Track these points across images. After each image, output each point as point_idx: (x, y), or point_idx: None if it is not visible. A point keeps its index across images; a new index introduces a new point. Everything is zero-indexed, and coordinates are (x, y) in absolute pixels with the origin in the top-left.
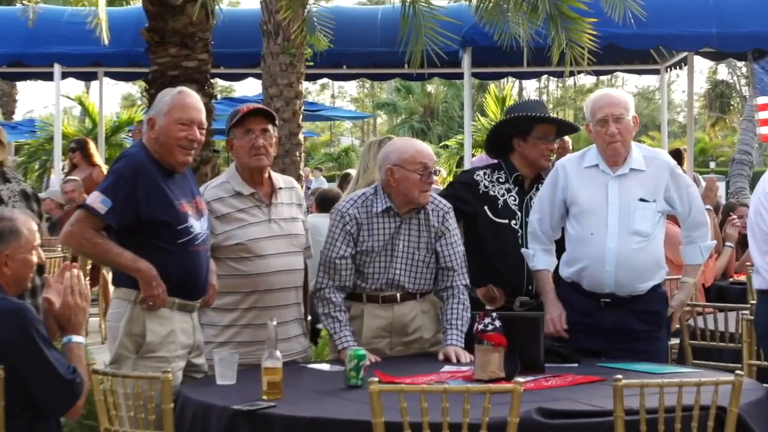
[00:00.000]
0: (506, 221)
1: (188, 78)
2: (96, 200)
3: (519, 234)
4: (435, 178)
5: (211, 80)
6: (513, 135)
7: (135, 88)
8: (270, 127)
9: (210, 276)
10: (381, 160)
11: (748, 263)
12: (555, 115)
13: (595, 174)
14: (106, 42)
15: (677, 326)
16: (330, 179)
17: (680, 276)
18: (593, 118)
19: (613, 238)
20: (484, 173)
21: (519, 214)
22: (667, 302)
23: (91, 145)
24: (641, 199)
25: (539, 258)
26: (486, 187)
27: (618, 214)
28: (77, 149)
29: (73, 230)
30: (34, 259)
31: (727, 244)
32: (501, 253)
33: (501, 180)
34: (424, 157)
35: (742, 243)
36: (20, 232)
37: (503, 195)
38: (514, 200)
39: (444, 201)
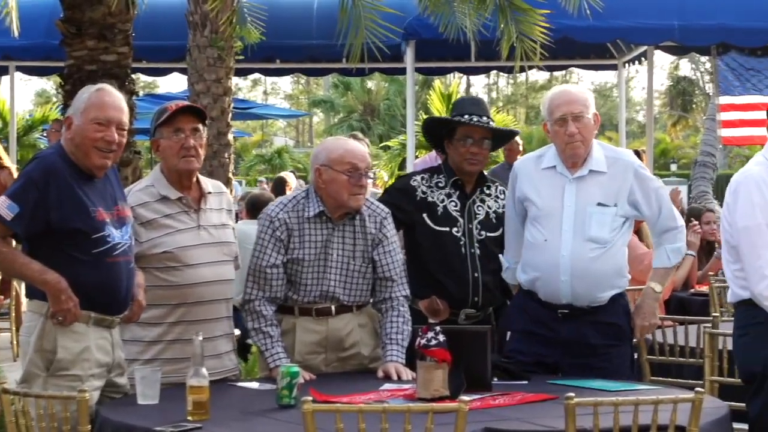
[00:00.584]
0: (447, 229)
1: (107, 73)
2: (2, 206)
3: (462, 242)
4: (367, 180)
5: (132, 75)
6: (443, 136)
7: (49, 84)
8: (200, 126)
9: (136, 290)
10: (311, 160)
11: (711, 273)
12: (505, 114)
13: (552, 176)
14: (17, 34)
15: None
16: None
17: (640, 286)
18: (551, 116)
19: (567, 246)
20: (422, 178)
21: (461, 220)
22: (629, 314)
23: None
24: (599, 204)
25: (508, 273)
26: (424, 193)
27: (573, 220)
28: None
29: None
30: None
31: (688, 252)
32: (442, 262)
33: (441, 185)
34: (354, 156)
35: (707, 251)
36: None
37: (443, 201)
38: (455, 206)
39: (382, 206)
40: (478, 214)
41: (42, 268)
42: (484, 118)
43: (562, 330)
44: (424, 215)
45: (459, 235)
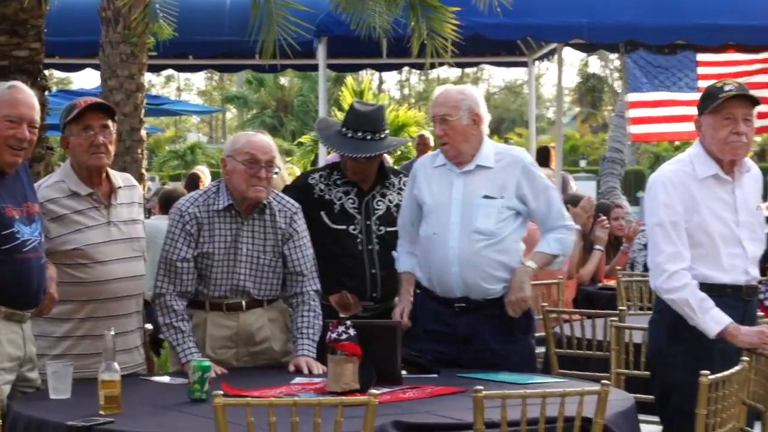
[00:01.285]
0: (344, 227)
1: (19, 69)
2: None
3: (359, 239)
4: (269, 173)
5: (45, 71)
6: None
7: None
8: (110, 123)
9: (48, 284)
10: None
11: (618, 267)
12: (417, 110)
13: (443, 172)
14: None
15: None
16: (176, 178)
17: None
18: (430, 115)
19: (455, 237)
20: (320, 176)
21: (358, 217)
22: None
23: None
24: (485, 196)
25: (402, 260)
26: (321, 191)
27: (461, 212)
28: None
29: None
30: None
31: (596, 247)
32: (340, 259)
33: (339, 182)
34: (254, 147)
35: (614, 246)
36: None
37: (340, 198)
38: (353, 203)
39: (292, 201)
40: (378, 209)
41: None
42: (369, 136)
43: (460, 325)
44: (322, 213)
45: (356, 232)
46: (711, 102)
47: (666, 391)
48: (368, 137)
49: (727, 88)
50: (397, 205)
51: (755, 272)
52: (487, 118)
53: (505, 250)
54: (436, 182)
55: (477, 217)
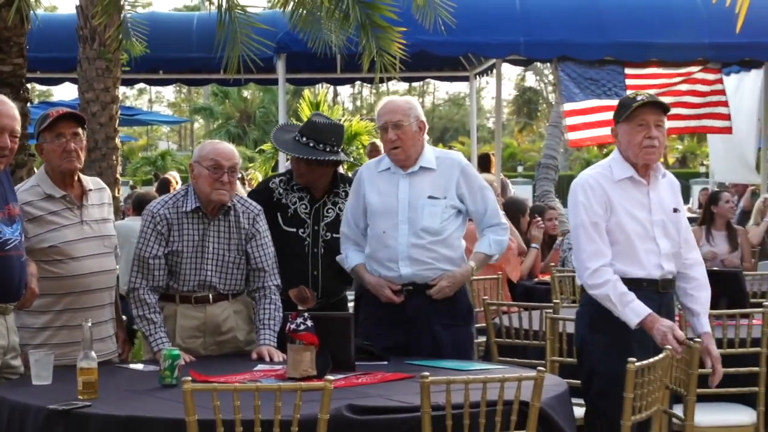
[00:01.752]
0: (294, 230)
1: (3, 82)
2: None
3: (306, 242)
4: (231, 177)
5: (27, 84)
6: None
7: None
8: (80, 130)
9: (29, 279)
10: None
11: (552, 263)
12: (368, 121)
13: (389, 175)
14: None
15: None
16: (147, 183)
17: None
18: (377, 123)
19: (404, 235)
20: (280, 180)
21: (308, 221)
22: (467, 296)
23: None
24: (430, 197)
25: (351, 256)
26: (280, 194)
27: (408, 211)
28: None
29: None
30: None
31: (533, 245)
32: (287, 260)
33: (296, 188)
34: (218, 154)
35: (548, 244)
36: None
37: (295, 203)
38: (305, 208)
39: (254, 204)
40: (327, 216)
41: None
42: (321, 146)
43: (408, 308)
44: (278, 215)
45: (304, 236)
46: (625, 111)
47: (589, 376)
48: (320, 147)
49: (639, 97)
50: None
51: (670, 267)
52: (426, 126)
53: (449, 246)
54: (383, 184)
55: (423, 216)
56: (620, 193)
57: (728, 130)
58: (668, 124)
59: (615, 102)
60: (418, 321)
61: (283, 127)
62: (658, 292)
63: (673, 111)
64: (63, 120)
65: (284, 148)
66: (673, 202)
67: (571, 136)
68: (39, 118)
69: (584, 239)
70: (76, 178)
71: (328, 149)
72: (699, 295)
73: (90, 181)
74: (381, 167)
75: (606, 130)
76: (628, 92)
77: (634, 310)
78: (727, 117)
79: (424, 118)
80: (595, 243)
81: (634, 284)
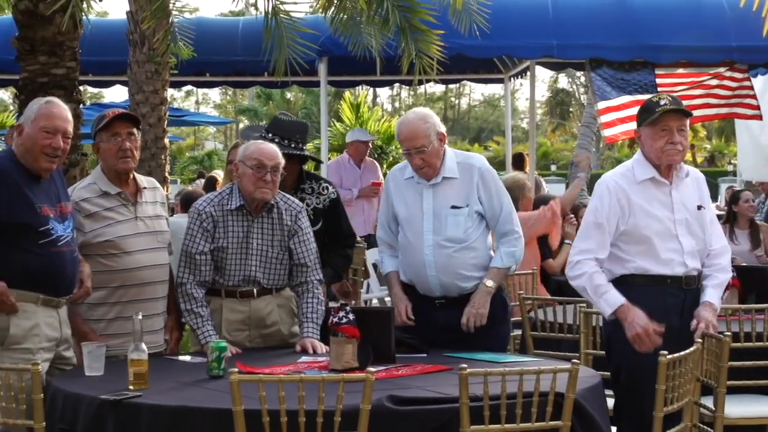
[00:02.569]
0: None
1: (57, 85)
2: None
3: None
4: (274, 177)
5: (80, 87)
6: None
7: (6, 95)
8: (135, 130)
9: (84, 278)
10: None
11: None
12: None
13: (413, 185)
14: None
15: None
16: (194, 181)
17: (522, 272)
18: (402, 145)
19: (429, 245)
20: None
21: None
22: (500, 297)
23: None
24: (453, 206)
25: (386, 262)
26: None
27: (432, 222)
28: None
29: None
30: None
31: (566, 241)
32: None
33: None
34: (261, 154)
35: None
36: None
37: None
38: (308, 207)
39: (297, 201)
40: None
41: None
42: (286, 141)
43: (440, 317)
44: None
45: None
46: (648, 115)
47: (615, 371)
48: (285, 143)
49: (662, 102)
50: (315, 209)
51: (694, 264)
52: (446, 135)
53: (474, 250)
54: (409, 194)
55: (447, 226)
56: (642, 194)
57: (759, 117)
58: (699, 112)
59: (646, 97)
60: (451, 332)
61: (251, 127)
62: (682, 289)
63: (704, 101)
64: (119, 120)
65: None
66: (698, 199)
67: (607, 132)
68: (96, 119)
69: (581, 236)
70: (131, 176)
71: (293, 145)
72: (716, 275)
73: (144, 180)
74: (406, 175)
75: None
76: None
77: (607, 301)
78: (757, 107)
79: (442, 129)
80: (589, 241)
81: (658, 282)
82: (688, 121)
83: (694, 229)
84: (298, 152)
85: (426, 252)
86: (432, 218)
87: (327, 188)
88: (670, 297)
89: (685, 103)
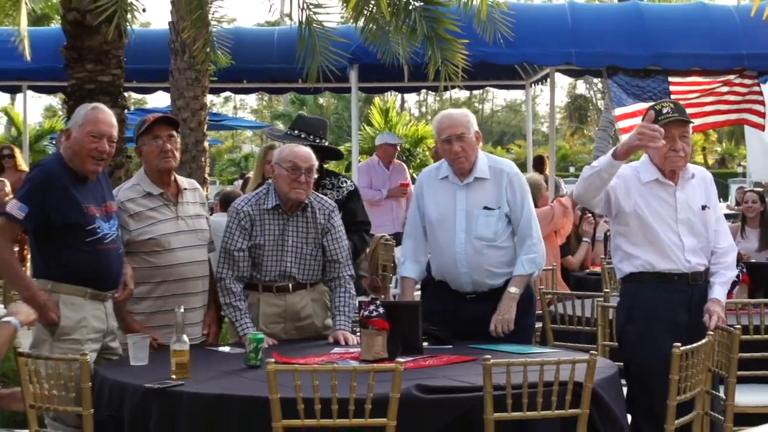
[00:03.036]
0: None
1: (103, 91)
2: (14, 208)
3: None
4: (308, 178)
5: (124, 93)
6: None
7: (56, 100)
8: (175, 133)
9: (128, 280)
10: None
11: (602, 256)
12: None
13: (447, 185)
14: (29, 58)
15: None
16: (232, 183)
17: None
18: (439, 137)
19: (461, 243)
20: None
21: None
22: (528, 290)
23: (17, 151)
24: (485, 207)
25: (406, 266)
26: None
27: (465, 221)
28: (12, 156)
29: None
30: None
31: (584, 239)
32: None
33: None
34: (296, 157)
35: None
36: None
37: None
38: None
39: (329, 201)
40: None
41: (34, 287)
42: (311, 137)
43: (470, 310)
44: None
45: None
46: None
47: (627, 363)
48: (310, 138)
49: (665, 111)
50: (336, 201)
51: (697, 260)
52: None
53: (501, 248)
54: (442, 194)
55: (478, 225)
56: (647, 195)
57: (762, 127)
58: (711, 119)
59: None
60: (481, 324)
61: (273, 129)
62: (689, 284)
63: (714, 108)
64: (159, 123)
65: (281, 140)
66: (703, 200)
67: (625, 137)
68: (138, 124)
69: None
70: (172, 177)
71: (317, 141)
72: (723, 272)
73: (185, 182)
74: (440, 175)
75: None
76: (674, 96)
77: (605, 157)
78: (763, 115)
79: (478, 129)
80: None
81: (666, 278)
82: (690, 128)
83: (698, 228)
84: (323, 144)
85: (458, 250)
86: (465, 218)
87: (345, 182)
88: (677, 293)
89: (696, 110)
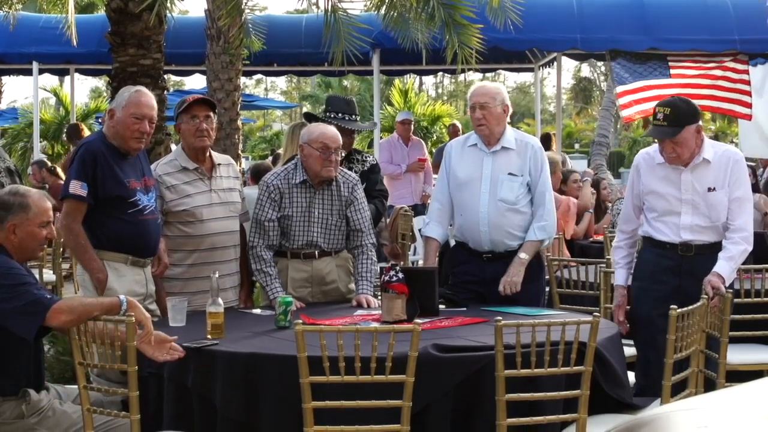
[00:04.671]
0: None
1: (144, 74)
2: (77, 188)
3: None
4: (336, 156)
5: (164, 76)
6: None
7: (101, 82)
8: (212, 113)
9: (161, 254)
10: (300, 139)
11: (605, 226)
12: (449, 105)
13: (474, 151)
14: (76, 43)
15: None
16: (263, 158)
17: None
18: (469, 103)
19: (485, 205)
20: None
21: None
22: (538, 257)
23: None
24: (510, 174)
25: (431, 226)
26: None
27: (489, 185)
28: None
29: (65, 224)
30: (43, 233)
31: (588, 211)
32: None
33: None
34: (326, 138)
35: (603, 210)
36: (29, 206)
37: None
38: (356, 172)
39: (353, 175)
40: None
41: (100, 267)
42: (353, 117)
43: (487, 270)
44: None
45: None
46: (648, 128)
47: (631, 310)
48: (352, 118)
49: (658, 116)
50: (360, 173)
51: (690, 237)
52: (511, 109)
53: (520, 213)
54: (470, 159)
55: (502, 189)
56: (656, 174)
57: (748, 117)
58: (705, 102)
59: (659, 81)
60: (496, 281)
61: (308, 113)
62: (678, 254)
63: (708, 92)
64: (197, 104)
65: (327, 121)
66: (712, 182)
67: (624, 113)
68: (178, 103)
69: (624, 202)
70: (207, 153)
71: (356, 118)
72: (729, 247)
73: (220, 157)
74: (469, 143)
75: (651, 104)
76: (673, 71)
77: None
78: (749, 105)
79: (509, 103)
80: (622, 217)
81: (659, 246)
82: (682, 131)
83: (701, 209)
84: (367, 125)
85: (481, 210)
86: (489, 181)
87: (367, 158)
88: (666, 259)
89: (693, 91)
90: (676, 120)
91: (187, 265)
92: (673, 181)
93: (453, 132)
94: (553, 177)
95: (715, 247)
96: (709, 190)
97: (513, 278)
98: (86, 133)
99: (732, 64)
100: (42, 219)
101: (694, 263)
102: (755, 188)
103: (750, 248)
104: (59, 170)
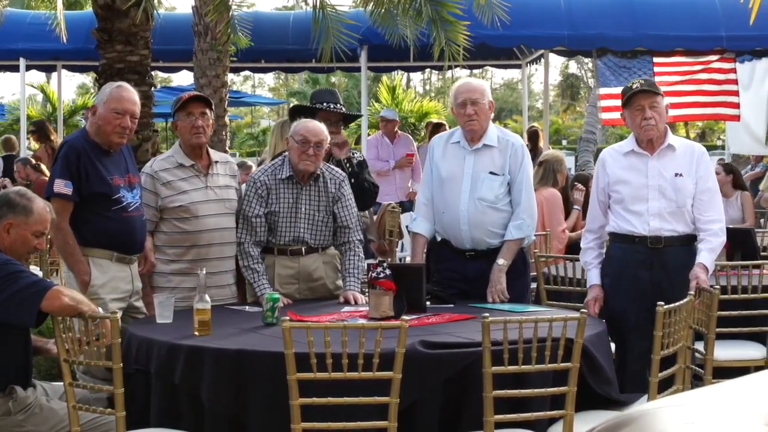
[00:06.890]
0: None
1: (132, 70)
2: (62, 187)
3: None
4: (317, 151)
5: (151, 72)
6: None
7: (88, 78)
8: (207, 110)
9: (148, 253)
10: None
11: None
12: (436, 102)
13: (457, 149)
14: (64, 40)
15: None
16: (251, 155)
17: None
18: (455, 101)
19: (465, 203)
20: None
21: None
22: (521, 254)
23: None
24: (491, 172)
25: (418, 221)
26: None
27: (470, 183)
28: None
29: (55, 223)
30: (35, 242)
31: (574, 207)
32: None
33: None
34: (307, 131)
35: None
36: (32, 212)
37: None
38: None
39: (340, 171)
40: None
41: (87, 270)
42: (338, 105)
43: (470, 268)
44: None
45: None
46: (626, 99)
47: (607, 319)
48: (338, 107)
49: (635, 86)
50: (351, 173)
51: (659, 225)
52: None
53: (502, 213)
54: (452, 157)
55: (482, 188)
56: (622, 164)
57: (737, 118)
58: (688, 111)
59: None
60: (479, 279)
61: (298, 106)
62: (647, 247)
63: (693, 99)
64: (192, 101)
65: (317, 109)
66: (677, 168)
67: (605, 116)
68: (174, 100)
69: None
70: (204, 150)
71: (342, 107)
72: (709, 239)
73: (217, 155)
74: (452, 140)
75: None
76: (658, 78)
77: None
78: (737, 105)
79: (492, 100)
80: (589, 217)
81: (628, 240)
82: (659, 99)
83: (668, 193)
84: (354, 112)
85: (462, 209)
86: (470, 180)
87: (356, 153)
88: (636, 253)
89: (676, 99)
90: (652, 86)
91: (185, 261)
92: (639, 169)
93: (433, 130)
94: (559, 175)
95: (683, 240)
96: (676, 175)
97: (497, 286)
98: (54, 130)
99: (718, 64)
100: (38, 228)
101: (665, 256)
102: (740, 185)
103: (725, 239)
104: (43, 167)
